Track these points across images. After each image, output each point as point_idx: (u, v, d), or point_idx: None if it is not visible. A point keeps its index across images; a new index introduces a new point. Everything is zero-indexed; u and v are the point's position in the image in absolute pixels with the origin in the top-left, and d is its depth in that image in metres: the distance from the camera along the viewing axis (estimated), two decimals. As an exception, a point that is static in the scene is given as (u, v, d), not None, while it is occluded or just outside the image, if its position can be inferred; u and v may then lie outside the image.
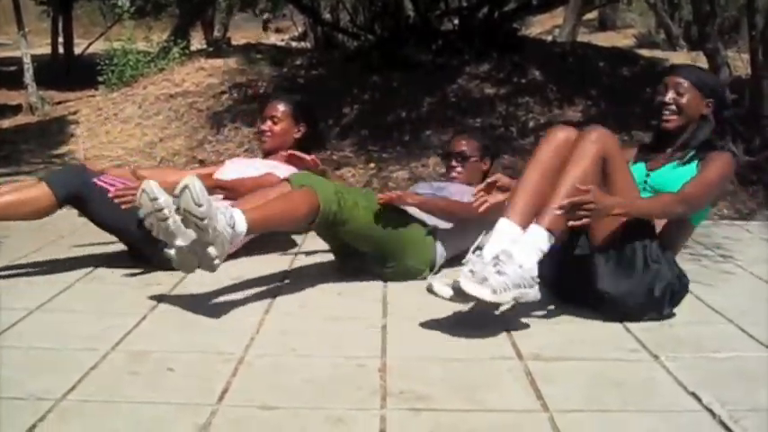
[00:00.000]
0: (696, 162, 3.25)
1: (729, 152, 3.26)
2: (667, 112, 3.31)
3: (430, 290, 2.94)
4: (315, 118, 4.44)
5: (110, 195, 3.51)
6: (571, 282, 3.21)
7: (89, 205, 3.70)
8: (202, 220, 2.84)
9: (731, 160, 3.26)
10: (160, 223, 2.98)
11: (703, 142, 3.29)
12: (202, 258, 2.94)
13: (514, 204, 3.06)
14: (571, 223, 2.89)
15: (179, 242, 2.97)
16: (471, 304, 3.05)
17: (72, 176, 3.73)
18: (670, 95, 3.31)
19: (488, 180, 3.48)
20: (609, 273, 3.08)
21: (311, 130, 4.33)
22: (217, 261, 2.93)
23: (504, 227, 3.01)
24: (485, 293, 2.79)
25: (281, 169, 3.99)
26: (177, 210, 2.90)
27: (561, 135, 3.14)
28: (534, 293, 2.91)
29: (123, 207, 3.48)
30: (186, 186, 2.84)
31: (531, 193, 3.05)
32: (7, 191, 3.65)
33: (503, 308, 3.06)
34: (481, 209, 3.41)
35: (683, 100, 3.29)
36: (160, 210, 2.96)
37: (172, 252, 3.01)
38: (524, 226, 2.99)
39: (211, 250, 2.90)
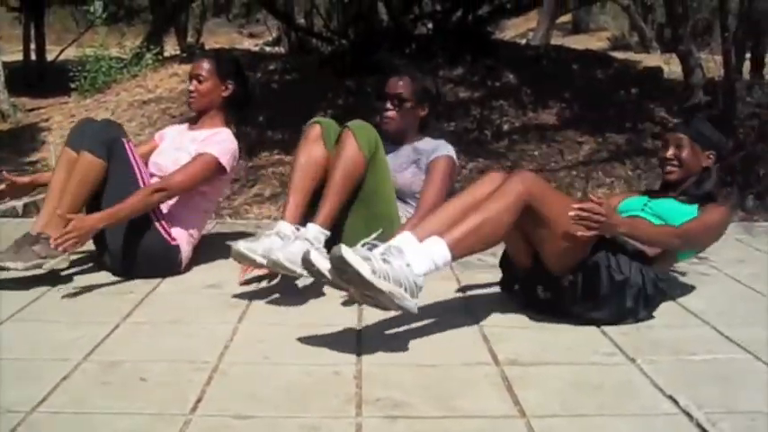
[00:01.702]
0: (697, 206, 3.41)
1: (730, 205, 3.49)
2: (669, 167, 3.52)
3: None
4: (243, 74, 4.19)
5: (52, 246, 3.44)
6: (543, 306, 3.23)
7: (109, 164, 3.66)
8: (295, 272, 3.20)
9: (730, 214, 3.49)
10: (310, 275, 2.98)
11: (707, 194, 3.46)
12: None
13: (425, 223, 2.96)
14: (580, 233, 2.93)
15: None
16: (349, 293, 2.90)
17: (104, 130, 3.74)
18: (671, 151, 3.51)
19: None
20: (578, 298, 3.09)
21: (240, 88, 4.09)
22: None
23: (404, 236, 2.87)
24: (364, 268, 2.61)
25: (212, 144, 3.87)
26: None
27: (495, 176, 3.10)
28: (412, 305, 2.71)
29: (65, 250, 3.45)
30: (274, 261, 3.20)
31: (446, 217, 2.95)
32: (60, 183, 3.64)
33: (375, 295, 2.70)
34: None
35: (684, 154, 3.49)
36: (293, 272, 3.21)
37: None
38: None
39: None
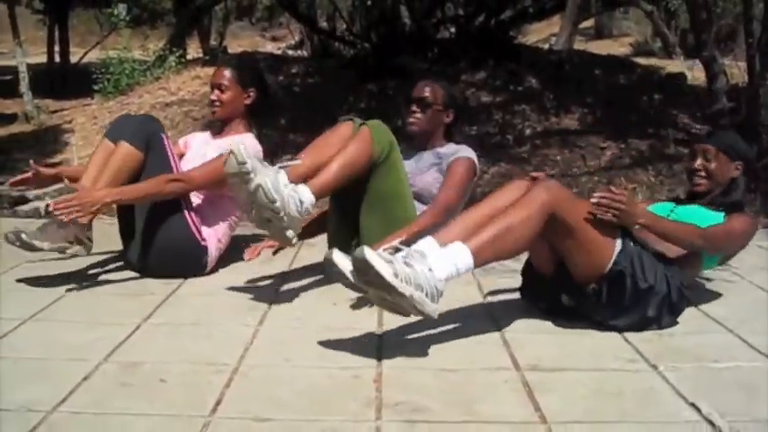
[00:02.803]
0: (723, 214, 3.40)
1: (755, 218, 3.48)
2: (697, 178, 3.52)
3: (328, 259, 2.87)
4: (264, 81, 4.25)
5: (50, 210, 3.45)
6: (565, 312, 3.22)
7: (146, 157, 3.68)
8: (278, 213, 3.08)
9: (755, 225, 3.47)
10: (243, 185, 3.07)
11: (733, 203, 3.46)
12: (280, 237, 3.21)
13: (447, 229, 2.93)
14: (600, 215, 2.96)
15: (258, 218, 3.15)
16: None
17: (144, 124, 3.77)
18: (699, 162, 3.51)
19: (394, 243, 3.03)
20: (602, 306, 3.08)
21: (261, 95, 4.15)
22: (294, 240, 3.22)
23: (427, 241, 2.85)
24: (386, 271, 2.60)
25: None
26: (252, 203, 3.06)
27: (521, 184, 3.10)
28: (433, 309, 2.69)
29: (66, 220, 3.43)
30: (259, 186, 3.02)
31: (468, 223, 2.94)
32: (95, 171, 3.66)
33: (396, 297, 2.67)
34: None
35: (712, 166, 3.49)
36: (247, 173, 3.06)
37: (251, 213, 3.15)
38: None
39: (289, 233, 3.16)
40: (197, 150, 4.11)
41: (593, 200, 2.94)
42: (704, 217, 3.38)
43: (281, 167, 3.20)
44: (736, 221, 3.35)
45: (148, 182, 3.63)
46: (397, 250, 2.75)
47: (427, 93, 3.96)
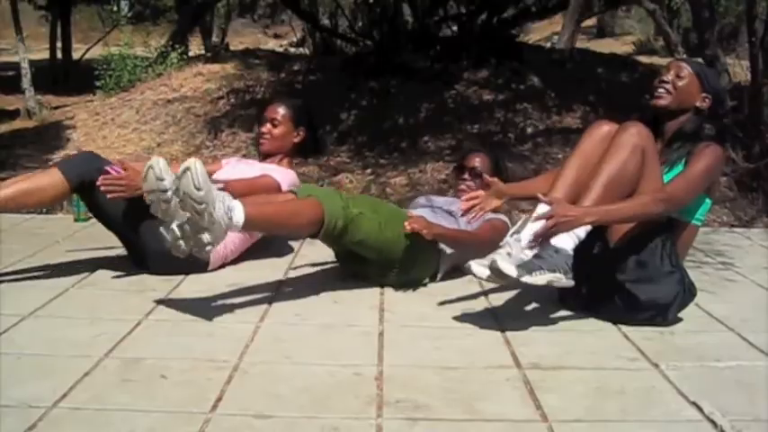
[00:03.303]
0: (683, 160, 3.20)
1: (717, 143, 3.21)
2: (661, 90, 3.30)
3: (468, 270, 2.98)
4: (314, 123, 4.40)
5: (98, 184, 3.48)
6: (587, 268, 3.11)
7: (99, 195, 3.62)
8: (200, 204, 2.85)
9: (718, 151, 3.20)
10: (161, 203, 3.02)
11: (691, 134, 3.26)
12: (195, 243, 2.95)
13: (554, 191, 3.08)
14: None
15: (176, 224, 2.98)
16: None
17: (86, 163, 3.71)
18: (669, 76, 3.32)
19: (486, 180, 3.50)
20: (628, 268, 3.10)
21: (310, 136, 4.30)
22: (209, 248, 2.97)
23: (541, 211, 2.97)
24: (521, 274, 2.84)
25: (278, 172, 3.97)
26: (176, 191, 2.92)
27: (604, 128, 3.19)
28: (567, 280, 2.93)
29: (109, 197, 3.50)
30: (188, 169, 2.85)
31: (570, 180, 3.12)
32: (20, 179, 3.65)
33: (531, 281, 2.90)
34: (469, 217, 3.45)
35: (680, 83, 3.29)
36: (164, 190, 3.00)
37: (167, 234, 3.01)
38: None
39: (205, 236, 2.92)
40: (236, 165, 4.26)
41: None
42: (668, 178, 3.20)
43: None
44: (695, 162, 3.14)
45: None
46: (518, 239, 2.99)
47: (478, 163, 4.13)
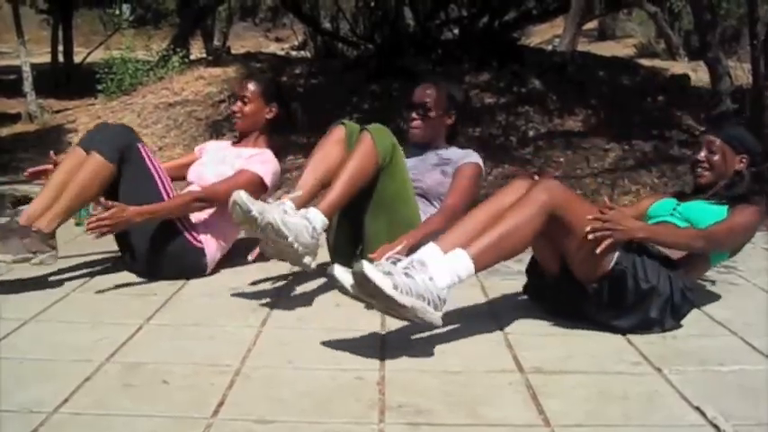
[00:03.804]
0: (727, 207, 3.37)
1: (761, 206, 3.38)
2: (700, 169, 3.51)
3: (330, 274, 2.86)
4: (286, 98, 4.34)
5: (84, 228, 3.48)
6: (569, 313, 3.21)
7: (123, 169, 3.63)
8: (292, 246, 3.07)
9: (760, 213, 3.38)
10: (254, 229, 3.09)
11: (737, 196, 3.41)
12: (300, 265, 3.19)
13: (448, 234, 2.93)
14: (599, 249, 2.93)
15: (291, 239, 3.09)
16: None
17: (119, 135, 3.72)
18: (703, 154, 3.50)
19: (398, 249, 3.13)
20: (603, 306, 3.07)
21: (283, 111, 4.23)
22: (314, 265, 3.20)
23: (429, 248, 2.86)
24: (385, 284, 2.64)
25: (256, 163, 3.96)
26: (267, 240, 3.08)
27: (522, 184, 3.09)
28: (436, 318, 2.74)
29: (95, 239, 3.47)
30: (269, 224, 3.03)
31: (470, 227, 2.93)
32: (62, 179, 3.59)
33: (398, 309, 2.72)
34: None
35: (715, 158, 3.47)
36: (255, 220, 3.04)
37: (301, 259, 3.16)
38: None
39: (307, 260, 3.16)
40: (214, 154, 4.18)
41: (587, 230, 2.92)
42: (707, 212, 3.37)
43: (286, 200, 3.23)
44: (738, 215, 3.32)
45: (176, 200, 3.69)
46: (398, 261, 2.79)
47: (426, 97, 3.92)
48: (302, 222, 3.13)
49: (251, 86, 4.16)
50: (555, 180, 3.08)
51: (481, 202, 3.11)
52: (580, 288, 3.07)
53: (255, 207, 3.04)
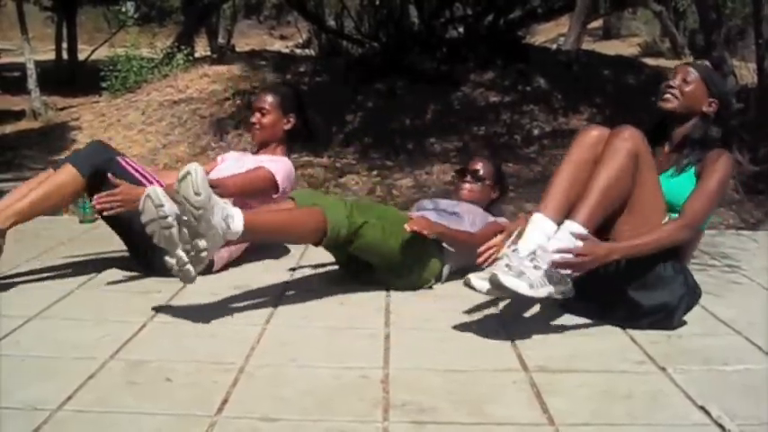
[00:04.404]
0: (693, 167, 3.21)
1: (726, 151, 3.21)
2: (668, 95, 3.31)
3: (467, 284, 2.92)
4: (304, 109, 4.35)
5: (93, 203, 3.48)
6: (588, 280, 3.07)
7: (109, 188, 3.58)
8: (198, 209, 2.83)
9: (730, 162, 3.20)
10: (163, 231, 2.95)
11: (700, 140, 3.26)
12: (191, 250, 2.92)
13: (548, 200, 3.04)
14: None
15: (180, 251, 2.94)
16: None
17: (95, 152, 3.71)
18: (677, 80, 3.32)
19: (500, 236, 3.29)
20: (631, 270, 3.04)
21: (301, 122, 4.28)
22: (204, 254, 2.92)
23: (539, 222, 2.98)
24: (522, 287, 2.79)
25: (271, 162, 4.01)
26: (177, 192, 2.87)
27: (594, 133, 3.16)
28: (569, 289, 2.91)
29: (105, 214, 3.49)
30: (188, 173, 2.84)
31: (564, 188, 3.05)
32: (32, 185, 3.62)
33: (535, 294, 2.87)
34: (486, 264, 3.22)
35: (687, 88, 3.29)
36: (164, 217, 2.93)
37: (173, 261, 2.97)
38: (558, 221, 2.98)
39: (201, 242, 2.89)
40: (234, 162, 4.22)
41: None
42: (679, 187, 3.19)
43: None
44: (709, 177, 3.14)
45: None
46: (516, 249, 2.93)
47: (480, 168, 4.11)
48: (222, 204, 2.98)
49: (268, 98, 4.23)
50: (631, 127, 3.12)
51: (561, 165, 3.14)
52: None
53: (168, 204, 2.96)
